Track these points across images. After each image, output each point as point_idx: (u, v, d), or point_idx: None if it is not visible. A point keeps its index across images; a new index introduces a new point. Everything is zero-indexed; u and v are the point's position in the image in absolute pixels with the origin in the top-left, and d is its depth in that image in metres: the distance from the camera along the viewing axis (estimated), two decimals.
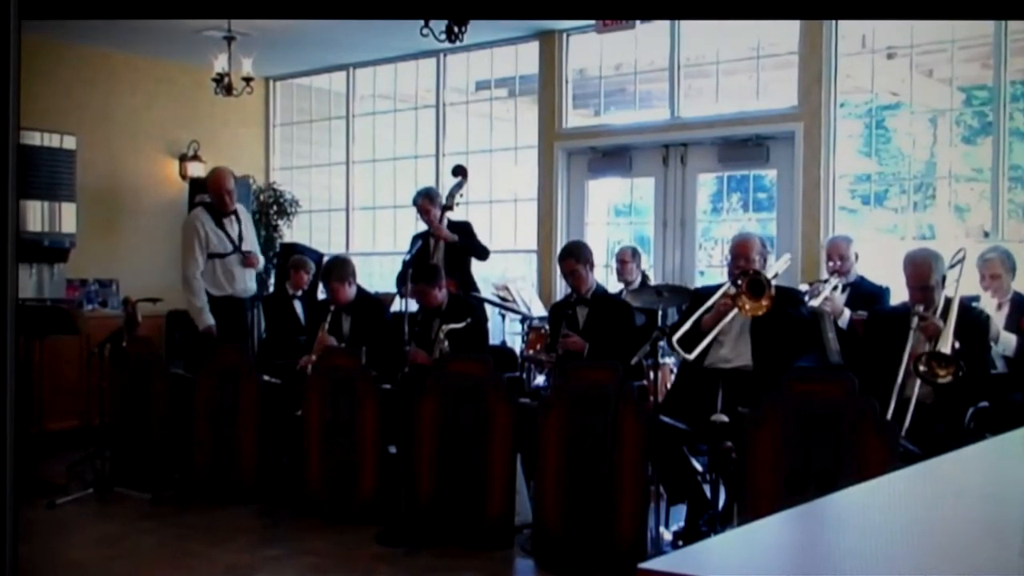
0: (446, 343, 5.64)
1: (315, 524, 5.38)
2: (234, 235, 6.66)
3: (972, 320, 4.70)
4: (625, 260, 6.86)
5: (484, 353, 5.53)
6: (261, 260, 7.06)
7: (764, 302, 4.65)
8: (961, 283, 4.78)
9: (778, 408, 4.16)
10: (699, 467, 4.92)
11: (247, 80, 8.05)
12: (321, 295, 6.94)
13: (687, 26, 7.75)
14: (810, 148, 7.17)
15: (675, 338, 4.71)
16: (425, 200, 6.79)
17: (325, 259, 7.45)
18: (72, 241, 8.00)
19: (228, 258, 6.60)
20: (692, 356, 4.73)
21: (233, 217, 6.70)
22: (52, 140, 7.87)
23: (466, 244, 6.79)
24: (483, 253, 6.88)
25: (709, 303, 4.88)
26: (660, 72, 8.00)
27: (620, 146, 8.14)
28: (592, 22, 7.93)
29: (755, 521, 1.76)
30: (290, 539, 5.15)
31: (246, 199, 8.51)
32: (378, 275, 9.16)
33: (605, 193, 8.68)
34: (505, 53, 8.69)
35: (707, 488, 4.70)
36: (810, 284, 5.77)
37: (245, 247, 6.71)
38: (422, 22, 5.98)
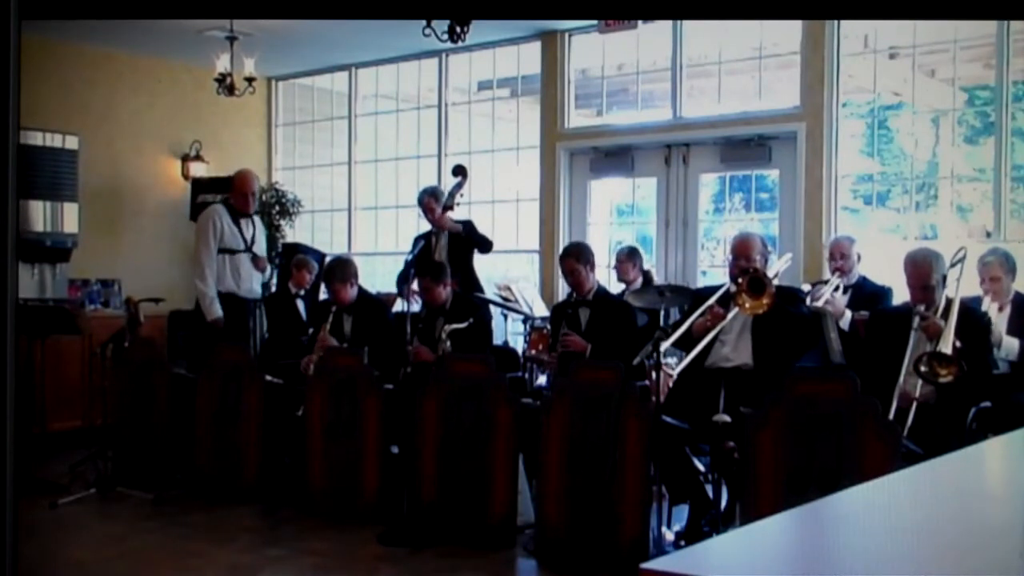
0: (448, 343, 5.64)
1: (317, 524, 5.38)
2: (248, 236, 6.73)
3: (974, 319, 4.69)
4: (621, 261, 6.85)
5: (486, 353, 5.53)
6: (268, 266, 7.12)
7: (764, 300, 4.65)
8: (962, 282, 4.78)
9: (780, 408, 4.16)
10: (701, 467, 4.92)
11: (249, 80, 8.06)
12: (323, 295, 6.96)
13: (689, 26, 7.75)
14: (812, 148, 7.16)
15: (665, 344, 4.70)
16: (430, 199, 6.91)
17: (327, 259, 7.46)
18: (74, 241, 7.99)
19: (238, 255, 6.66)
20: (678, 369, 4.75)
21: (250, 220, 6.79)
22: (54, 140, 7.86)
23: (470, 234, 6.87)
24: (486, 245, 6.95)
25: (704, 307, 4.88)
26: (662, 72, 8.00)
27: (622, 146, 8.13)
28: (594, 22, 7.93)
29: (757, 521, 1.77)
30: (292, 539, 5.15)
31: None
32: (380, 275, 9.17)
33: (607, 193, 8.68)
34: (507, 53, 8.69)
35: (709, 488, 4.70)
36: (812, 284, 5.76)
37: (256, 250, 6.79)
38: (424, 22, 5.98)
